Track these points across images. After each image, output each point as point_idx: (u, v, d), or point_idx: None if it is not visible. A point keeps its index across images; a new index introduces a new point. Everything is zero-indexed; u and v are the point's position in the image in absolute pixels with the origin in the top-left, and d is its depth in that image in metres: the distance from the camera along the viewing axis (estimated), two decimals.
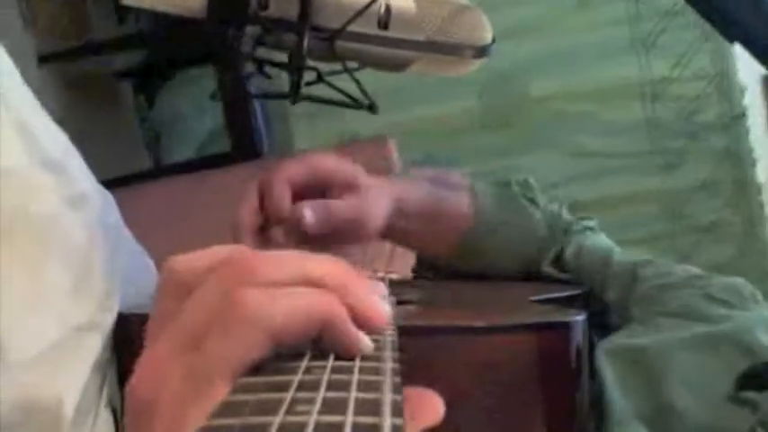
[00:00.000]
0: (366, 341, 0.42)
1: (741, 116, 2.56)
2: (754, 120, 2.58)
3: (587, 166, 2.56)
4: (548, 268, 0.93)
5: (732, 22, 0.77)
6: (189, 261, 0.45)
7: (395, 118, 2.40)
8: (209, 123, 2.61)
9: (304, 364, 0.40)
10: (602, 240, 0.97)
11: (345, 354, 0.41)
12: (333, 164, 0.89)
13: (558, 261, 0.94)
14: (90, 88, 2.60)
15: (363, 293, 0.43)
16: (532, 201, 0.95)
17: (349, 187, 0.87)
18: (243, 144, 2.10)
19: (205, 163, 2.17)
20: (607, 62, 2.56)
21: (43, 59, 2.24)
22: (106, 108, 2.73)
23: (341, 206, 0.86)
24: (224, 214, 1.66)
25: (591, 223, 0.98)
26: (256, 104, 2.12)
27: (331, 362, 0.40)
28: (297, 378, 0.38)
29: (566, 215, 0.97)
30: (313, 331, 0.41)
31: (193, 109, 2.62)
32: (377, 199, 0.88)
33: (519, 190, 0.96)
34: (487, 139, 2.56)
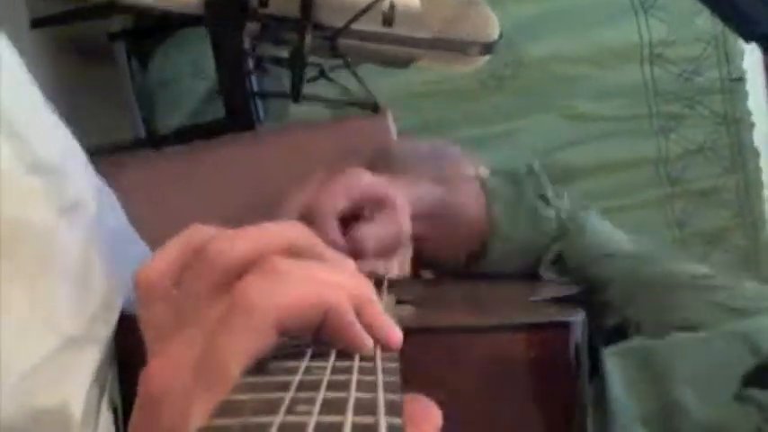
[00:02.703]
0: (367, 336, 0.42)
1: (740, 79, 2.55)
2: (753, 83, 2.57)
3: (585, 129, 2.55)
4: (546, 272, 0.92)
5: (750, 22, 0.76)
6: (156, 267, 0.47)
7: (392, 83, 2.38)
8: (204, 85, 2.58)
9: (304, 364, 0.40)
10: (601, 231, 0.96)
11: (345, 347, 0.42)
12: (367, 185, 0.88)
13: (557, 262, 0.93)
14: (83, 51, 2.57)
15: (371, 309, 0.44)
16: (544, 197, 0.94)
17: (380, 204, 0.88)
18: (237, 111, 2.08)
19: (199, 130, 2.14)
20: (605, 25, 2.54)
21: (36, 23, 2.20)
22: (100, 71, 2.70)
23: (383, 234, 0.87)
24: (218, 188, 1.65)
25: (592, 214, 0.97)
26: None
27: (331, 362, 0.41)
28: (297, 378, 0.38)
29: (568, 207, 0.95)
30: (316, 320, 0.41)
31: (188, 71, 2.60)
32: (405, 210, 0.88)
33: (532, 189, 0.94)
34: (485, 103, 2.54)
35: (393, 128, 1.75)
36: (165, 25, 2.66)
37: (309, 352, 0.42)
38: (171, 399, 0.40)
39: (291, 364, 0.40)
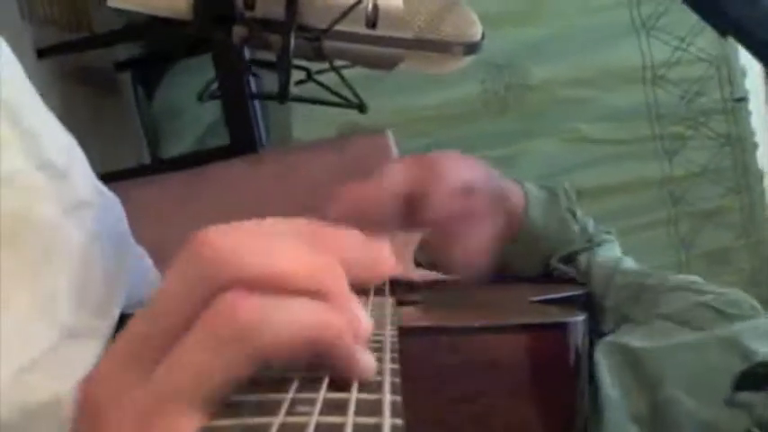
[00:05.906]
0: (371, 363, 0.38)
1: (743, 100, 2.55)
2: (756, 103, 2.57)
3: (588, 152, 2.55)
4: (558, 264, 0.93)
5: (724, 15, 0.77)
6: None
7: (395, 106, 2.40)
8: (209, 114, 2.60)
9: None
10: (613, 251, 0.96)
11: (343, 376, 0.37)
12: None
13: (569, 260, 0.93)
14: (89, 80, 2.59)
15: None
16: (573, 214, 0.95)
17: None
18: (241, 136, 2.10)
19: (203, 156, 2.16)
20: (607, 46, 2.55)
21: (42, 53, 2.23)
22: (105, 100, 2.73)
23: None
24: (223, 209, 1.66)
25: (609, 237, 0.98)
26: None
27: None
28: (297, 378, 0.37)
29: (591, 227, 0.96)
30: (309, 353, 0.37)
31: (193, 100, 2.61)
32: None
33: (565, 203, 0.95)
34: (489, 127, 2.55)
35: (394, 147, 1.76)
36: (170, 55, 2.69)
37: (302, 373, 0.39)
38: (117, 420, 0.35)
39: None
